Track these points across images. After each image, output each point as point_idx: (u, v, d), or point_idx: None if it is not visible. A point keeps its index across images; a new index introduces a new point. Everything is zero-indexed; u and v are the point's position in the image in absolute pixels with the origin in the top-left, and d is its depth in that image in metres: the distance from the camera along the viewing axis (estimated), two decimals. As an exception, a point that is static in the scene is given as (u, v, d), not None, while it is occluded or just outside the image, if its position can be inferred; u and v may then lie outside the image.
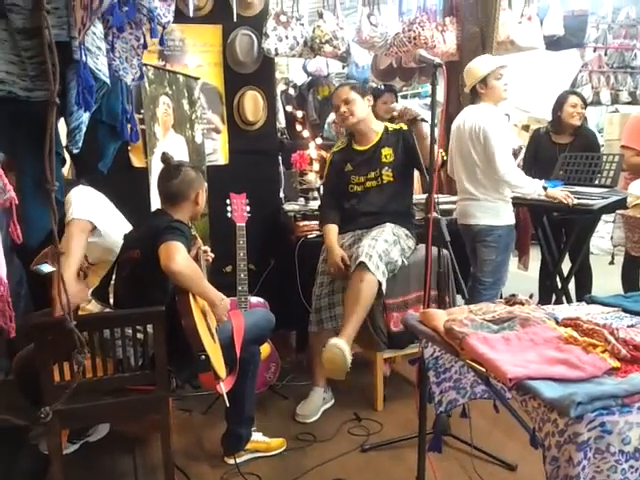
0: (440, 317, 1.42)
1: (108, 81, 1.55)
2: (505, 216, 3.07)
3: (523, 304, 1.54)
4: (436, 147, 1.98)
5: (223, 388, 2.01)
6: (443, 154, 2.72)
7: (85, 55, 1.35)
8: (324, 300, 2.75)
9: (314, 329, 2.79)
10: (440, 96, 2.70)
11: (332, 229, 2.87)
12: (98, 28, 1.47)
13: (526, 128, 6.59)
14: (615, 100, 7.69)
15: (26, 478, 2.34)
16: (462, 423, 2.39)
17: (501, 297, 2.98)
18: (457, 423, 2.46)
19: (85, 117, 1.49)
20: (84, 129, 1.53)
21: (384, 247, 2.62)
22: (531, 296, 1.76)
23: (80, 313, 2.10)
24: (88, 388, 1.93)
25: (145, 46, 1.77)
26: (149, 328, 1.96)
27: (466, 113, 3.07)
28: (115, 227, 2.31)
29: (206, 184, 2.39)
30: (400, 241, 2.74)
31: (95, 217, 2.24)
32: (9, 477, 2.30)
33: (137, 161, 3.35)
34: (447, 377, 1.55)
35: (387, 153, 2.82)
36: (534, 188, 3.04)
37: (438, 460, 2.08)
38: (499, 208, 3.04)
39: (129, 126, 2.03)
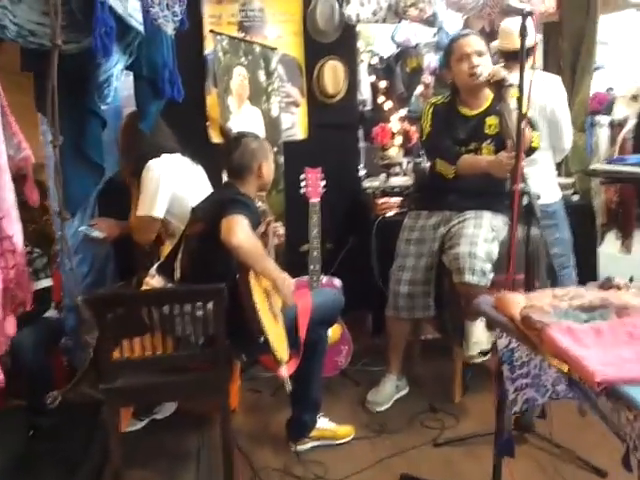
0: (517, 302, 1.20)
1: (141, 28, 1.41)
2: (555, 190, 2.90)
3: (620, 289, 1.29)
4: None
5: (285, 372, 1.90)
6: (536, 138, 2.40)
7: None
8: (404, 287, 2.53)
9: (391, 313, 2.59)
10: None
11: (467, 156, 2.50)
12: (128, -33, 1.34)
13: (635, 98, 5.98)
14: None
15: (99, 450, 2.36)
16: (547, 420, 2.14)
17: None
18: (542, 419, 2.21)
19: (117, 70, 1.37)
20: (115, 83, 1.41)
21: (485, 249, 2.34)
22: (631, 279, 1.46)
23: (144, 287, 2.06)
24: (147, 366, 1.89)
25: (189, -11, 1.61)
26: (209, 305, 1.88)
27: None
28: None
29: (271, 155, 2.26)
30: (499, 235, 2.44)
31: (159, 209, 2.27)
32: (88, 448, 2.31)
33: (216, 136, 3.31)
34: (524, 372, 1.34)
35: (492, 123, 2.48)
36: None
37: (517, 460, 1.85)
38: (548, 183, 2.82)
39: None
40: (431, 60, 5.58)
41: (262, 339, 1.81)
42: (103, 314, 1.83)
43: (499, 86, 2.26)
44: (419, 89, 5.42)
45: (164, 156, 2.34)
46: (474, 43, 2.44)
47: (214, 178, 2.62)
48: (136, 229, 2.34)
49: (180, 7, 1.61)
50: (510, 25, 2.92)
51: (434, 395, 2.68)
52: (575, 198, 3.26)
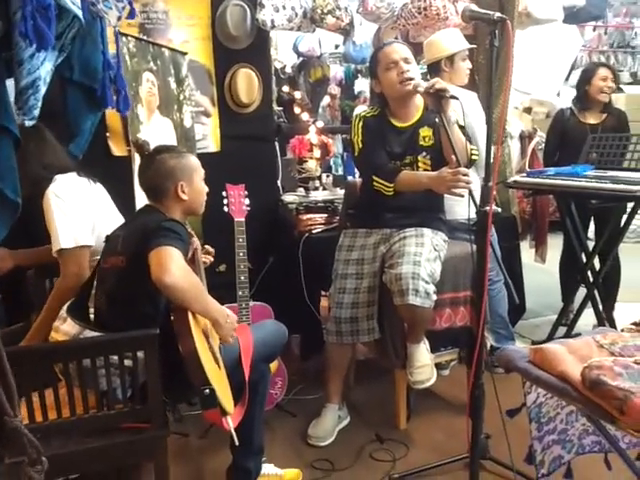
0: (563, 358, 1.06)
1: (80, 14, 1.08)
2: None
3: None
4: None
5: (231, 423, 1.65)
6: (476, 152, 2.34)
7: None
8: (345, 311, 2.36)
9: (333, 339, 2.40)
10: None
11: (406, 172, 2.37)
12: None
13: (528, 111, 6.26)
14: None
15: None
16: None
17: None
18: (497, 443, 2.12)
19: (44, 70, 1.01)
20: (43, 89, 1.04)
21: (428, 269, 2.22)
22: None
23: (53, 335, 1.72)
24: (63, 430, 1.56)
25: (136, -36, 1.27)
26: (139, 354, 1.60)
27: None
28: (106, 228, 1.95)
29: (202, 171, 2.00)
30: (440, 254, 2.35)
31: (86, 235, 1.92)
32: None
33: (117, 149, 2.97)
34: (551, 429, 1.21)
35: (426, 134, 2.40)
36: None
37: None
38: (475, 197, 2.79)
39: (113, 88, 1.50)
40: (337, 71, 5.54)
41: (207, 391, 1.55)
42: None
43: (439, 97, 2.16)
44: (325, 100, 5.35)
45: (58, 178, 1.95)
46: (400, 50, 2.36)
47: (117, 197, 2.28)
48: (65, 270, 1.90)
49: (126, -11, 1.28)
50: (433, 37, 2.91)
51: (378, 423, 2.54)
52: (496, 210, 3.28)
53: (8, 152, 1.03)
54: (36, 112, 1.01)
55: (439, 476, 2.13)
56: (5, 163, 1.00)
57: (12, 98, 1.04)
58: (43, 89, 1.01)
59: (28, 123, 1.00)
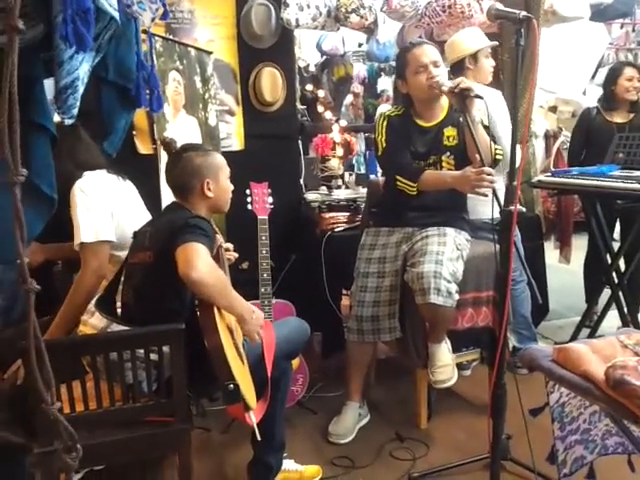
0: (587, 357, 1.06)
1: (117, 15, 1.11)
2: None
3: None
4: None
5: (254, 419, 1.67)
6: (500, 152, 2.33)
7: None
8: (367, 310, 2.37)
9: (355, 337, 2.42)
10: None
11: (430, 171, 2.38)
12: None
13: (553, 110, 6.20)
14: (644, 79, 7.26)
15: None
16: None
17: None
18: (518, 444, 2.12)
19: (82, 71, 1.06)
20: (81, 89, 1.08)
21: (451, 269, 2.22)
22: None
23: (81, 328, 1.76)
24: (90, 422, 1.59)
25: (170, -34, 1.31)
26: (165, 348, 1.63)
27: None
28: (133, 225, 1.98)
29: (227, 170, 2.02)
30: (463, 253, 2.34)
31: (108, 230, 1.94)
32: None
33: (143, 147, 3.02)
34: (574, 428, 1.21)
35: (450, 134, 2.39)
36: None
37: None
38: (499, 195, 2.76)
39: (146, 87, 1.52)
40: (360, 69, 5.54)
41: (232, 386, 1.58)
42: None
43: (463, 97, 2.15)
44: (349, 98, 5.35)
45: (87, 174, 1.99)
46: (430, 53, 2.35)
47: (143, 195, 2.32)
48: (84, 265, 1.91)
49: (161, -10, 1.31)
50: (455, 37, 2.90)
51: (398, 421, 2.54)
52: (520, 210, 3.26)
53: (45, 150, 1.06)
54: (75, 111, 1.04)
55: (459, 476, 2.12)
56: (42, 161, 1.04)
57: (50, 97, 1.08)
58: (81, 89, 1.04)
59: (67, 122, 1.03)
